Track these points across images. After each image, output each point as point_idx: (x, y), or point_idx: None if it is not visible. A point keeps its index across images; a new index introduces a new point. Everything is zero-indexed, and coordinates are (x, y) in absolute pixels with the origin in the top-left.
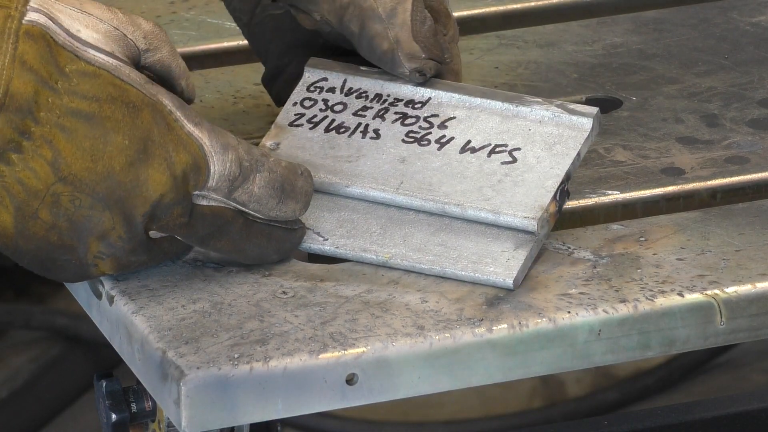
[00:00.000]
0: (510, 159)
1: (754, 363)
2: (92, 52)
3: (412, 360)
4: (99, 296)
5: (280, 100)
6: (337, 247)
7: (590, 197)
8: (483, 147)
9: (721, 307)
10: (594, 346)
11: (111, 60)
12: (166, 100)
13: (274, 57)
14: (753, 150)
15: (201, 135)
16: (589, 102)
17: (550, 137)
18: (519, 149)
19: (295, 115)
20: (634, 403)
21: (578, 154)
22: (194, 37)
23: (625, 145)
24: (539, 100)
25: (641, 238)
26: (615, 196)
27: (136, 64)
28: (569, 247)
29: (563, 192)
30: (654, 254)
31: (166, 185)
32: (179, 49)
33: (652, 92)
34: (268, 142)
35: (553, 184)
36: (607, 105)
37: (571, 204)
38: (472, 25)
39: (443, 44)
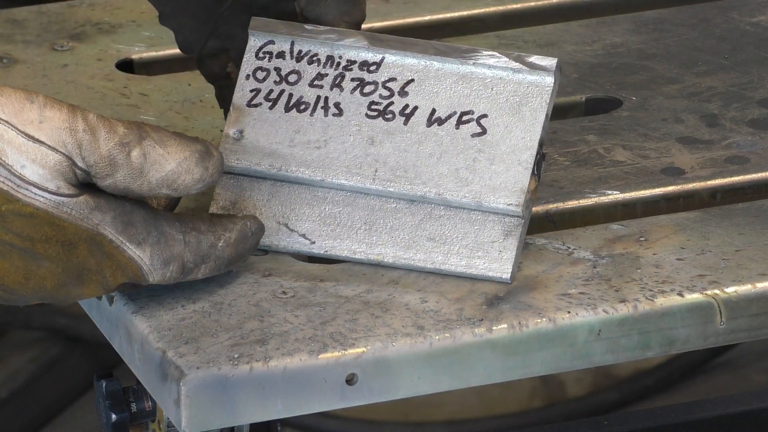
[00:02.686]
0: (479, 130)
1: (754, 363)
2: (33, 191)
3: (412, 360)
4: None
5: (207, 75)
6: (326, 251)
7: (590, 197)
8: (449, 116)
9: (721, 307)
10: (594, 346)
11: (53, 198)
12: (109, 229)
13: (190, 30)
14: (753, 150)
15: (143, 255)
16: (588, 102)
17: (514, 97)
18: (486, 116)
19: (250, 91)
20: (634, 403)
21: (546, 115)
22: None
23: (625, 145)
24: (495, 54)
25: (641, 238)
26: (615, 196)
27: (90, 183)
28: (569, 247)
29: (540, 160)
30: (654, 254)
31: (99, 294)
32: (179, 50)
33: (652, 92)
34: (230, 130)
35: (528, 157)
36: (607, 105)
37: (571, 204)
38: (472, 25)
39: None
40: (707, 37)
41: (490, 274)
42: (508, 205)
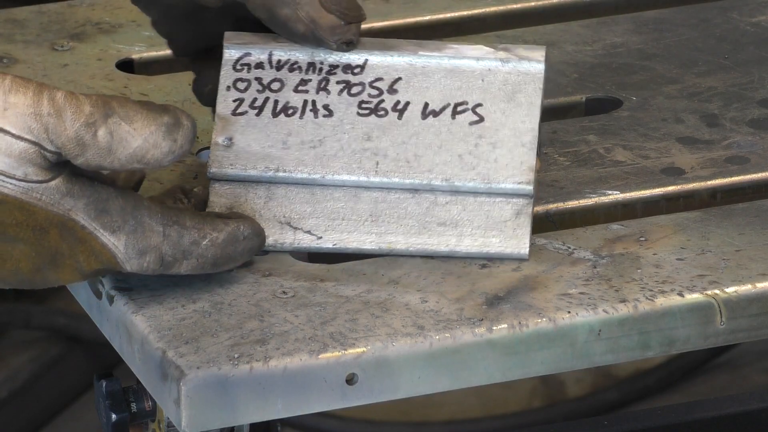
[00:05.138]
0: (476, 118)
1: (754, 363)
2: (1, 178)
3: (412, 360)
4: (99, 296)
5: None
6: (335, 244)
7: (590, 197)
8: (444, 108)
9: (721, 307)
10: (594, 346)
11: (21, 184)
12: (81, 214)
13: (184, 41)
14: (753, 150)
15: (117, 242)
16: (588, 102)
17: (506, 86)
18: (481, 105)
19: (233, 101)
20: (634, 403)
21: (542, 101)
22: None
23: (625, 145)
24: (481, 46)
25: (641, 238)
26: (615, 196)
27: (64, 163)
28: (569, 247)
29: (540, 147)
30: (654, 254)
31: (77, 280)
32: None
33: (652, 92)
34: (219, 138)
35: (531, 138)
36: (607, 105)
37: (571, 204)
38: (472, 25)
39: (354, 1)
40: (707, 37)
41: (507, 251)
42: (519, 183)
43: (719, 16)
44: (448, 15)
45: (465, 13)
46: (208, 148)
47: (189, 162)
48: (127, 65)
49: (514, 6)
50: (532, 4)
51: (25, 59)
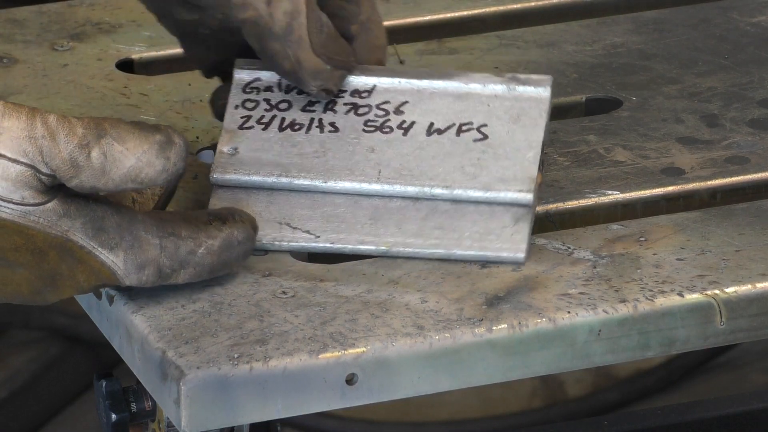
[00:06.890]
0: (481, 136)
1: (754, 363)
2: None
3: (412, 360)
4: (99, 296)
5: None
6: (332, 243)
7: (590, 197)
8: (449, 127)
9: (721, 307)
10: (594, 346)
11: (19, 208)
12: (79, 235)
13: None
14: (753, 150)
15: (116, 259)
16: (588, 102)
17: (511, 110)
18: (486, 125)
19: (241, 117)
20: (634, 403)
21: (546, 123)
22: None
23: (625, 145)
24: (487, 75)
25: (641, 238)
26: (615, 196)
27: (59, 186)
28: (569, 247)
29: (542, 163)
30: (654, 254)
31: (76, 294)
32: (179, 49)
33: (652, 92)
34: (224, 148)
35: (534, 155)
36: (607, 105)
37: (571, 204)
38: (472, 25)
39: (347, 48)
40: (707, 37)
41: (504, 254)
42: (519, 191)
43: (719, 16)
44: (448, 15)
45: (465, 13)
46: (208, 148)
47: (188, 162)
48: (127, 65)
49: (514, 6)
50: (532, 4)
51: (25, 59)
